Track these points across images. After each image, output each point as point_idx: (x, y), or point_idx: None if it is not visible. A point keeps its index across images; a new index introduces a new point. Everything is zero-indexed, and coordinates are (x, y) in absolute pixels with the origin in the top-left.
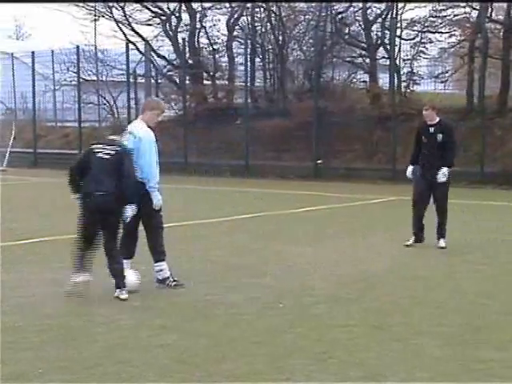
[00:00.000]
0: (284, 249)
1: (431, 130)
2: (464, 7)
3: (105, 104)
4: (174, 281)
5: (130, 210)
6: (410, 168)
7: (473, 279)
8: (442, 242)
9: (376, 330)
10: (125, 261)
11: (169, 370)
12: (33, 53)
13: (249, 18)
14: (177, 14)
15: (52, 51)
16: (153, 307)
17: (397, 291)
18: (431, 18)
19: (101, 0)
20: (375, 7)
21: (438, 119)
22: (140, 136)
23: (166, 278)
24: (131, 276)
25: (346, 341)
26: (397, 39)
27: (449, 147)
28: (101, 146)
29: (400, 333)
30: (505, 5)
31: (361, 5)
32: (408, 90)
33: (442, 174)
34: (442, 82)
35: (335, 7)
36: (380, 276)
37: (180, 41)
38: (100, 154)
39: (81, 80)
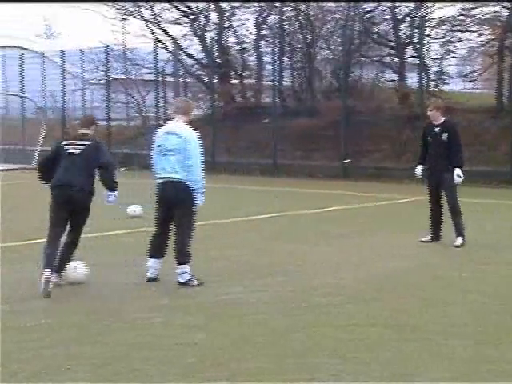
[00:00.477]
0: (306, 249)
1: (436, 130)
2: (494, 6)
3: (133, 103)
4: (197, 280)
5: (113, 197)
6: (420, 167)
7: (499, 280)
8: (458, 240)
9: (400, 329)
10: (156, 260)
11: (193, 368)
12: (62, 52)
13: (277, 17)
14: (205, 13)
15: (81, 50)
16: (179, 306)
17: (420, 291)
18: (460, 17)
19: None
20: (404, 6)
21: (442, 119)
22: (185, 136)
23: (188, 280)
24: (81, 269)
25: (370, 340)
26: (426, 38)
27: (454, 148)
28: (70, 141)
29: (425, 333)
30: None
31: (389, 4)
32: (437, 90)
33: (457, 176)
34: (470, 81)
35: (363, 6)
36: (402, 275)
37: (208, 40)
38: (70, 150)
39: (110, 79)
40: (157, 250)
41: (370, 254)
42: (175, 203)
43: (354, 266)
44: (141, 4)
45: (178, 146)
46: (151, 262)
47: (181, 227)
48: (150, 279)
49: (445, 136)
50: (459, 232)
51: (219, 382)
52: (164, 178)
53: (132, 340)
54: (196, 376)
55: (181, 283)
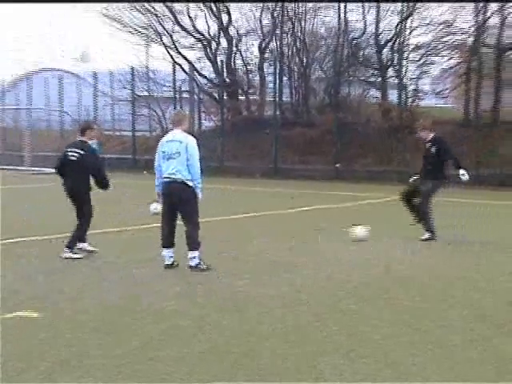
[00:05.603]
0: (307, 245)
1: (427, 145)
2: (462, 34)
3: (155, 116)
4: (205, 264)
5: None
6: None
7: (507, 280)
8: (425, 235)
9: (409, 329)
10: (169, 250)
11: (199, 366)
12: (95, 73)
13: (277, 43)
14: (216, 40)
15: (111, 72)
16: (190, 294)
17: (429, 291)
18: (434, 43)
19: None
20: (385, 32)
21: (431, 135)
22: (185, 141)
23: (197, 264)
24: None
25: (378, 340)
26: (404, 61)
27: (447, 156)
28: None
29: (433, 333)
30: (496, 31)
31: (373, 30)
32: (414, 105)
33: (462, 174)
34: (442, 98)
35: (351, 34)
36: (411, 276)
37: (219, 62)
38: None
39: (135, 96)
40: (167, 241)
41: (369, 251)
42: (176, 197)
43: (355, 262)
44: (161, 32)
45: (180, 150)
46: (165, 251)
47: (188, 221)
48: (167, 266)
49: (433, 149)
50: (428, 228)
51: (228, 382)
52: (167, 178)
53: (146, 336)
54: (205, 373)
55: (191, 267)
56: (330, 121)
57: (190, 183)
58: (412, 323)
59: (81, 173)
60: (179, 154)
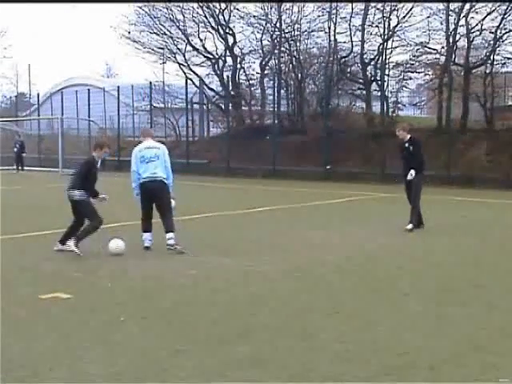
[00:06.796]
0: (300, 232)
1: (406, 145)
2: (435, 54)
3: (169, 124)
4: (179, 246)
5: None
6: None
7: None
8: (409, 226)
9: (409, 330)
10: (149, 233)
11: (200, 366)
12: (118, 87)
13: (276, 61)
14: (223, 58)
15: (132, 86)
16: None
17: (428, 291)
18: (411, 62)
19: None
20: (369, 52)
21: (409, 136)
22: (162, 148)
23: (173, 244)
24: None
25: (379, 341)
26: (386, 76)
27: (416, 156)
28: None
29: (433, 334)
30: (464, 52)
31: (359, 50)
32: (394, 115)
33: (410, 175)
34: (419, 109)
35: (340, 53)
36: (409, 269)
37: (225, 77)
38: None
39: (152, 107)
40: (147, 227)
41: (350, 237)
42: (158, 193)
43: (338, 246)
44: (175, 52)
45: (158, 154)
46: (146, 235)
47: (165, 210)
48: (147, 248)
49: (411, 148)
50: (411, 220)
51: (221, 382)
52: (148, 177)
53: (141, 346)
54: (200, 373)
55: (168, 245)
56: (321, 128)
57: (166, 181)
58: (412, 323)
59: (74, 175)
60: (158, 157)
